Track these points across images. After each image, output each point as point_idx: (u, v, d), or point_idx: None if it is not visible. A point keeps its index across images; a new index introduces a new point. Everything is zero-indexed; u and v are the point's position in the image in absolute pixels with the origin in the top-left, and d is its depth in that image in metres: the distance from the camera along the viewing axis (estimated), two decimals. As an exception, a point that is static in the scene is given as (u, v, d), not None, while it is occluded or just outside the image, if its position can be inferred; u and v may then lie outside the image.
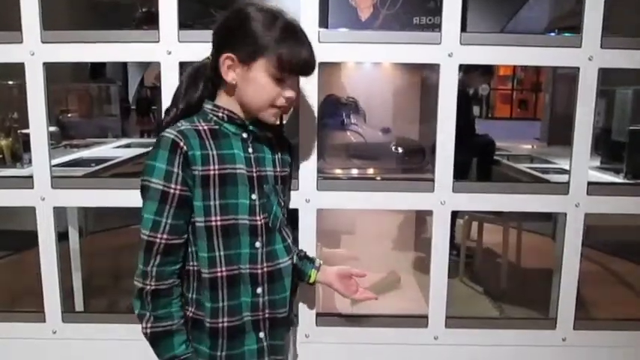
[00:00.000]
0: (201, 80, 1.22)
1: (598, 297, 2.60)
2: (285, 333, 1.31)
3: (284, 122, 1.55)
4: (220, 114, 1.19)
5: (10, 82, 3.54)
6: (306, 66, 1.15)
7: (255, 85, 1.14)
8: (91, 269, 2.91)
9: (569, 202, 1.62)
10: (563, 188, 1.63)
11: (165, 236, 1.13)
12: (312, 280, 1.39)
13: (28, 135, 1.65)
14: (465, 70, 3.12)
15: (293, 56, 1.12)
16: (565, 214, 1.63)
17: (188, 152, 1.12)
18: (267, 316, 1.22)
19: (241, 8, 1.14)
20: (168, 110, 1.23)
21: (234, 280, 1.18)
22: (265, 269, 1.21)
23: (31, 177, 1.64)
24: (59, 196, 1.65)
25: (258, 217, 1.19)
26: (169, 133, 1.13)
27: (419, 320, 1.69)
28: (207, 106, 1.21)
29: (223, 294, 1.18)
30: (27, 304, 1.96)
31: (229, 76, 1.15)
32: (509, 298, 2.99)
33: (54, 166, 1.65)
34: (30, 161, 1.66)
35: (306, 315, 1.66)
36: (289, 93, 1.16)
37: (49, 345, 1.72)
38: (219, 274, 1.17)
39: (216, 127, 1.19)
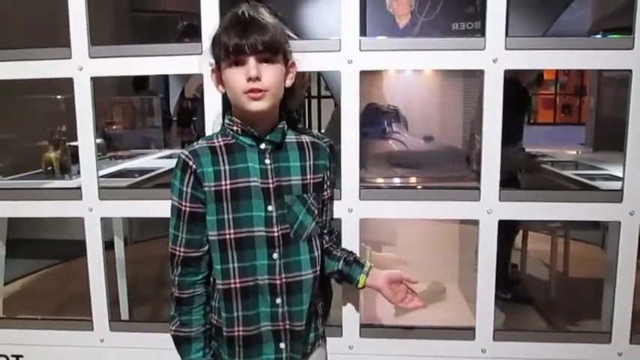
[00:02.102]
0: None
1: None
2: (304, 348, 1.28)
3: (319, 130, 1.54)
4: (235, 127, 1.20)
5: (59, 97, 3.67)
6: (239, 44, 1.13)
7: (227, 80, 1.17)
8: (135, 278, 2.97)
9: (622, 210, 1.56)
10: (616, 196, 1.56)
11: (182, 249, 1.20)
12: (361, 285, 1.37)
13: (76, 147, 1.70)
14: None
15: (229, 39, 1.13)
16: (619, 223, 1.56)
17: (197, 170, 1.16)
18: (287, 327, 1.22)
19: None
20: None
21: (249, 292, 1.20)
22: (284, 280, 1.20)
23: (79, 188, 1.69)
24: (106, 207, 1.69)
25: (275, 229, 1.19)
26: (183, 153, 1.19)
27: (465, 332, 1.64)
28: (225, 120, 1.23)
29: (238, 304, 1.20)
30: (76, 311, 2.01)
31: (219, 87, 1.21)
32: (557, 309, 2.89)
33: (100, 177, 1.69)
34: (78, 173, 1.70)
35: (349, 326, 1.64)
36: (249, 73, 1.13)
37: (97, 353, 1.75)
38: (232, 286, 1.19)
39: (233, 140, 1.21)
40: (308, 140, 1.27)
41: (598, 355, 1.62)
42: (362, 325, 1.65)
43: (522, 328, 2.40)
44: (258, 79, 1.13)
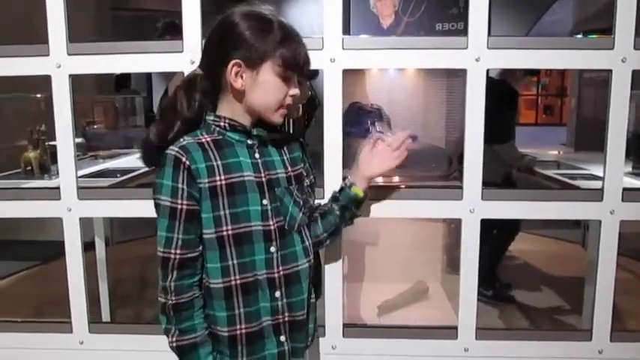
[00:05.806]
0: (196, 93, 1.21)
1: (633, 307, 2.51)
2: (305, 338, 1.28)
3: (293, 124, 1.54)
4: (222, 123, 1.19)
5: (39, 96, 3.61)
6: (307, 63, 1.20)
7: (265, 87, 1.16)
8: (117, 279, 2.93)
9: (603, 209, 1.57)
10: (597, 195, 1.58)
11: (178, 251, 1.15)
12: (362, 194, 1.38)
13: (55, 147, 1.66)
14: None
15: (296, 55, 1.15)
16: (599, 222, 1.58)
17: (191, 166, 1.13)
18: (287, 319, 1.22)
19: (229, 16, 1.16)
20: (165, 129, 1.19)
21: (250, 288, 1.19)
22: (282, 272, 1.20)
23: (57, 188, 1.66)
24: (85, 207, 1.66)
25: (271, 222, 1.19)
26: (172, 149, 1.15)
27: (448, 332, 1.65)
28: (209, 117, 1.21)
29: (239, 301, 1.18)
30: (55, 314, 1.98)
31: (238, 82, 1.16)
32: (539, 307, 2.91)
33: (80, 177, 1.67)
34: (58, 172, 1.67)
35: (332, 326, 1.64)
36: (294, 91, 1.19)
37: (76, 356, 1.72)
38: (233, 283, 1.17)
39: (220, 137, 1.20)
40: (280, 136, 1.28)
41: (579, 352, 1.64)
42: (345, 325, 1.64)
43: (504, 327, 2.41)
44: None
